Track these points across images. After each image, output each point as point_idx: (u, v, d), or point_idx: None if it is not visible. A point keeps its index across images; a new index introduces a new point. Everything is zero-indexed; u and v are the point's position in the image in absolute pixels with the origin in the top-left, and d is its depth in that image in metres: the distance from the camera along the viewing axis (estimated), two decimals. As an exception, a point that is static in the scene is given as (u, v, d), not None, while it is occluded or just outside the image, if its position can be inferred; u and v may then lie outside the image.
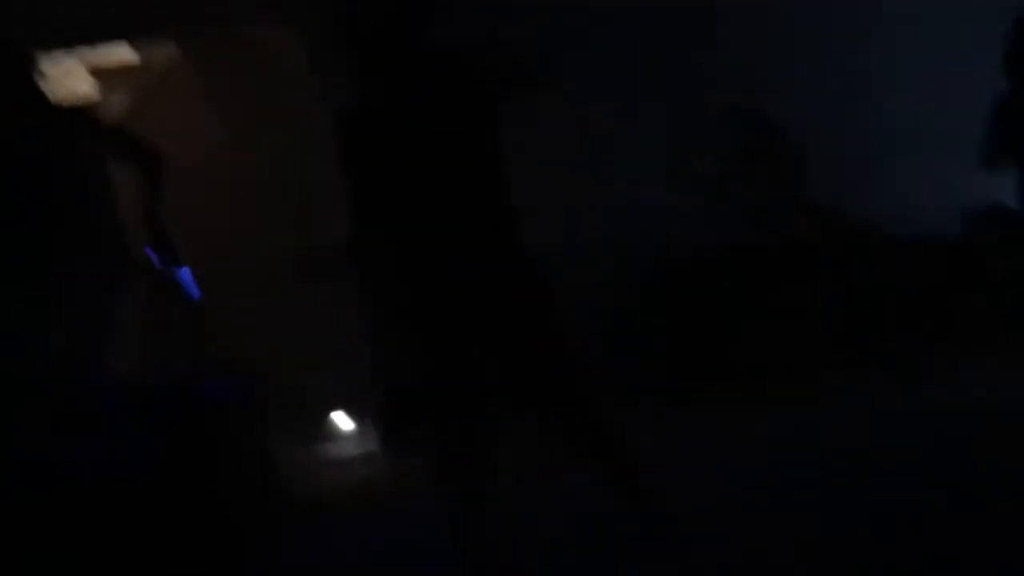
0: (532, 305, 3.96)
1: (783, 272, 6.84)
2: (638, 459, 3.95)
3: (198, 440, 4.76)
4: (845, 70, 7.47)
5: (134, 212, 4.85)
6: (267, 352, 6.80)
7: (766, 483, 4.97)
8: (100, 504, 4.31)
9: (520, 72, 3.96)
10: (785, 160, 7.15)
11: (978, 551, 3.77)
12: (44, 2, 6.08)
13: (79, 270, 4.61)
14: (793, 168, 7.16)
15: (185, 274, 5.14)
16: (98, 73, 8.10)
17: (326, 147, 7.27)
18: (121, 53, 8.00)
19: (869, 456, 5.13)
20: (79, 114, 4.84)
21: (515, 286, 3.95)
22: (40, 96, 4.66)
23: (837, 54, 7.42)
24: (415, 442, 6.86)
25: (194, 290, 5.15)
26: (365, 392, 7.39)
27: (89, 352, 4.65)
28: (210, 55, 7.86)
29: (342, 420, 7.70)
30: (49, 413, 4.62)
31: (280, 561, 5.02)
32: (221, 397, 5.11)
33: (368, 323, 6.76)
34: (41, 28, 6.40)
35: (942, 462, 4.83)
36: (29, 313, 4.55)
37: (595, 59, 7.09)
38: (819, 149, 7.17)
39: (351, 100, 3.96)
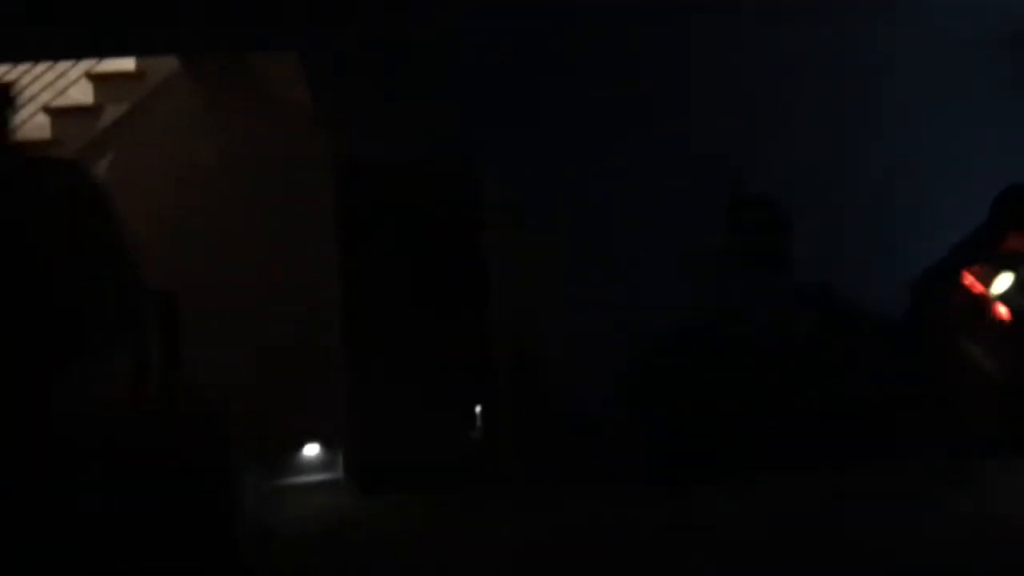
0: None
1: (779, 359, 6.61)
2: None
3: (164, 470, 4.76)
4: (846, 152, 7.42)
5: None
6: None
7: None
8: (61, 531, 4.29)
9: None
10: (784, 244, 7.02)
11: None
12: (48, 11, 6.02)
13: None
14: (791, 252, 7.02)
15: None
16: (96, 79, 8.10)
17: (317, 175, 7.37)
18: (120, 62, 8.02)
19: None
20: None
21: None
22: None
23: (836, 136, 7.39)
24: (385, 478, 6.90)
25: None
26: (336, 423, 7.39)
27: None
28: (208, 71, 7.87)
29: (309, 449, 7.70)
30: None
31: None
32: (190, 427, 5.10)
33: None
34: (44, 35, 6.41)
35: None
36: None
37: (594, 140, 7.11)
38: (818, 231, 7.08)
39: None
